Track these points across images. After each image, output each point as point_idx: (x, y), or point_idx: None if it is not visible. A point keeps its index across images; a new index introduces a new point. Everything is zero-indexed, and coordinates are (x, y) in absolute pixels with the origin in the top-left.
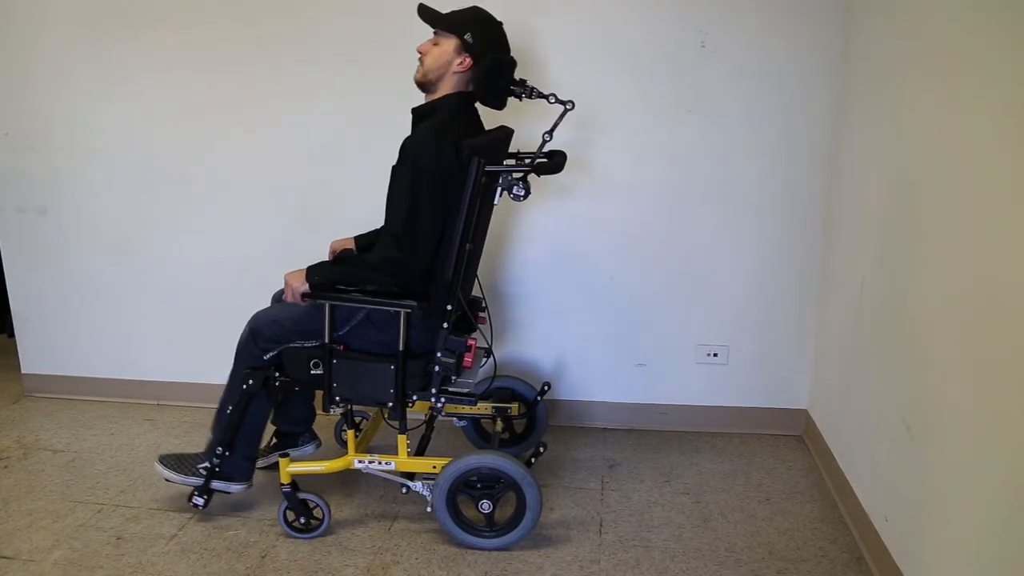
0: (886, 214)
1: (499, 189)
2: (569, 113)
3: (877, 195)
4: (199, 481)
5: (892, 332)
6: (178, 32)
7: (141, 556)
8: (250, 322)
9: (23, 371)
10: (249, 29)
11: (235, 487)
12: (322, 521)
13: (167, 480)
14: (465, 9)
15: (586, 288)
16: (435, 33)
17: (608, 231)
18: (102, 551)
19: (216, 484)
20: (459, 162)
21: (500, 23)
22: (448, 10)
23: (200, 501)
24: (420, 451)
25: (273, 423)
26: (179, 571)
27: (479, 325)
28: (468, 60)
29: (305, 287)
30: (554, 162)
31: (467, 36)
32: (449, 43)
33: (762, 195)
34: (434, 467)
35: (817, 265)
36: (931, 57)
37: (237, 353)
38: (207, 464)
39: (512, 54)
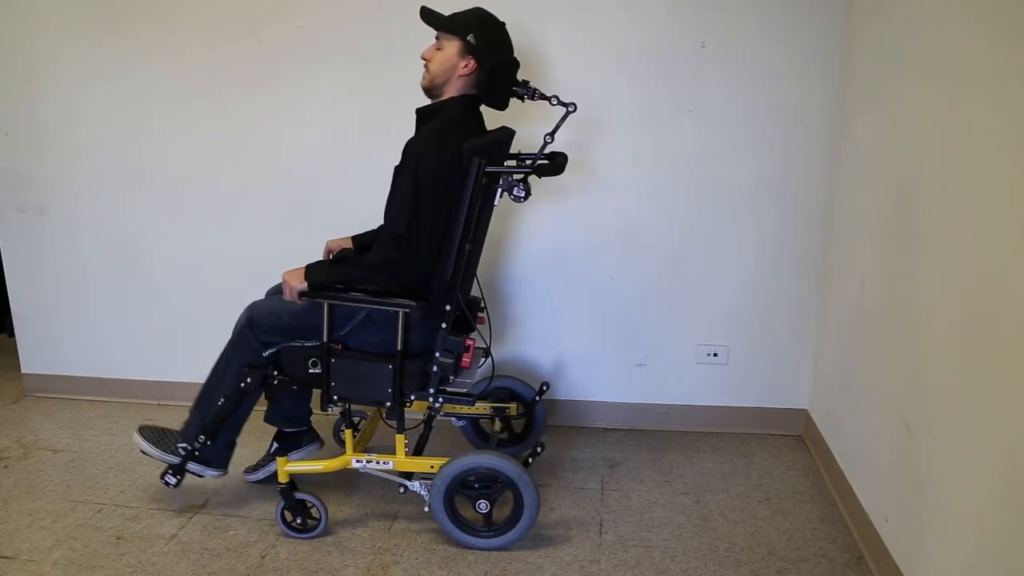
0: (886, 214)
1: (499, 190)
2: (571, 113)
3: (877, 195)
4: (176, 460)
5: (892, 332)
6: (178, 33)
7: (141, 556)
8: (247, 310)
9: (23, 371)
10: (249, 29)
11: (210, 472)
12: (319, 521)
13: (143, 452)
14: (468, 10)
15: (586, 288)
16: (437, 37)
17: (609, 231)
18: (102, 551)
19: (192, 467)
20: (461, 164)
21: (503, 23)
22: (451, 12)
23: (173, 480)
24: (418, 451)
25: (271, 423)
26: (179, 571)
27: (478, 325)
28: (472, 63)
29: (303, 286)
30: (555, 164)
31: (470, 38)
32: (453, 46)
33: (762, 195)
34: (432, 467)
35: (817, 265)
36: (931, 56)
37: (233, 340)
38: (186, 446)
39: (515, 54)
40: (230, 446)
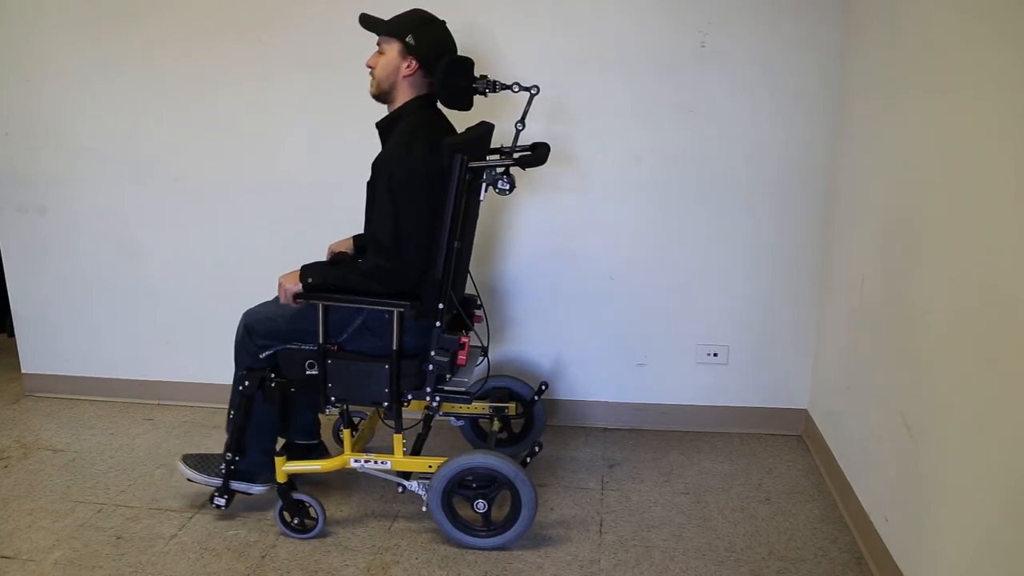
0: (886, 214)
1: (484, 184)
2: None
3: (877, 195)
4: (219, 482)
5: (892, 332)
6: (178, 33)
7: (141, 556)
8: (243, 319)
9: (23, 371)
10: (249, 30)
11: (256, 488)
12: (317, 521)
13: (189, 480)
14: (405, 12)
15: (586, 287)
16: (378, 43)
17: (609, 230)
18: (102, 551)
19: (236, 485)
20: (437, 162)
21: (442, 22)
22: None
23: (221, 502)
24: (416, 450)
25: (281, 435)
26: (179, 571)
27: (475, 324)
28: (414, 63)
29: (298, 288)
30: (537, 154)
31: (408, 38)
32: (392, 49)
33: (762, 195)
34: (429, 467)
35: (817, 265)
36: (931, 57)
37: (236, 354)
38: (224, 465)
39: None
40: (267, 453)
